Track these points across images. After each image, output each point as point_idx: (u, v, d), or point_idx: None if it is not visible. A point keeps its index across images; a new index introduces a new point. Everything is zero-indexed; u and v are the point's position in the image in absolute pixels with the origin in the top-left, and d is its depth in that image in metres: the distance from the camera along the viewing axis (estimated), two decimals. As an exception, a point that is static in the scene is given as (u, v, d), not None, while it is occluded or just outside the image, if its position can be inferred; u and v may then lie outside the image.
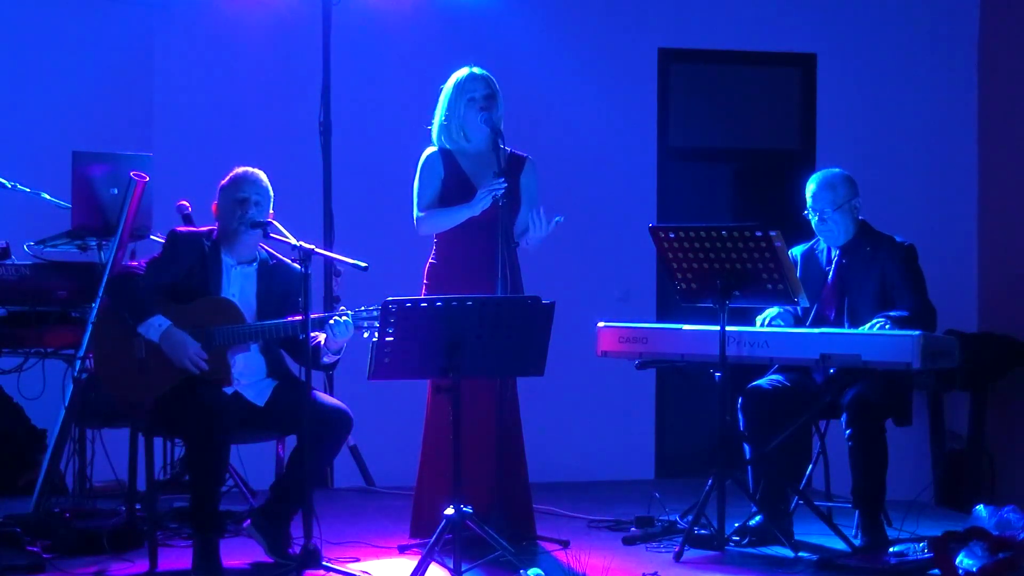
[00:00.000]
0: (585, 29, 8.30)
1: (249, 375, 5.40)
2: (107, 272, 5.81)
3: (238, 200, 5.37)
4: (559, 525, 6.08)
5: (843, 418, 5.71)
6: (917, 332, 5.42)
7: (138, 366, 5.24)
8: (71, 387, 5.97)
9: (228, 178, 5.46)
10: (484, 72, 5.76)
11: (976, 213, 8.66)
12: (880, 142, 8.47)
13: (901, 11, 8.60)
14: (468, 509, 5.04)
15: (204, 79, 7.85)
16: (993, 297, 8.54)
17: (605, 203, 8.25)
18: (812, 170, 6.22)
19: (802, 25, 8.53)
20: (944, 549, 5.20)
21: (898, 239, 5.89)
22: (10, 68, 7.57)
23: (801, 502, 5.85)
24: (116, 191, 6.04)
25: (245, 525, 5.37)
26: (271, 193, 5.45)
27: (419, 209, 5.78)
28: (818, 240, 6.01)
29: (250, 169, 5.46)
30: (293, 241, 5.19)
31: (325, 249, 6.51)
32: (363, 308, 5.23)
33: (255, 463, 6.48)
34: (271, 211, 5.43)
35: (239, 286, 5.42)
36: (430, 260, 5.84)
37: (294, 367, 5.52)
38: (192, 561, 5.16)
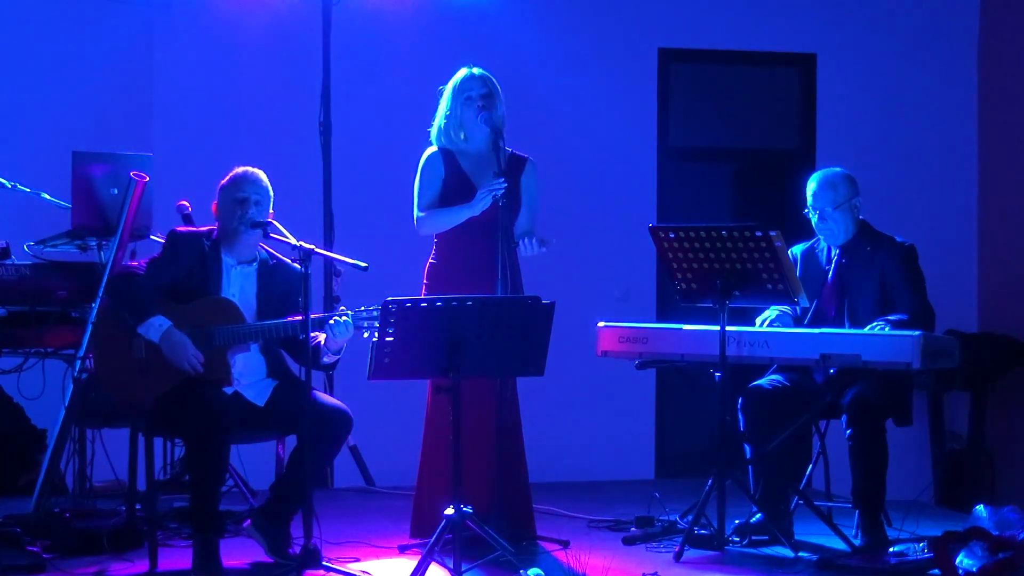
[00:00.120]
0: (585, 29, 8.30)
1: (249, 375, 5.40)
2: (107, 272, 5.81)
3: (238, 200, 5.37)
4: (559, 525, 6.08)
5: (843, 418, 5.71)
6: (917, 332, 5.42)
7: (138, 366, 5.24)
8: (71, 387, 5.97)
9: (228, 178, 5.46)
10: (483, 72, 5.76)
11: (976, 213, 8.66)
12: (880, 142, 8.47)
13: (901, 11, 8.60)
14: (468, 509, 5.04)
15: (204, 79, 7.85)
16: (993, 297, 8.54)
17: (605, 203, 8.25)
18: (812, 170, 6.22)
19: (802, 25, 8.53)
20: (944, 549, 5.20)
21: (898, 239, 5.89)
22: (10, 68, 7.57)
23: (801, 502, 5.85)
24: (116, 191, 6.05)
25: (245, 525, 5.37)
26: (271, 193, 5.45)
27: (419, 209, 5.78)
28: (818, 239, 6.01)
29: (250, 169, 5.47)
30: (293, 241, 5.19)
31: (325, 249, 6.51)
32: (363, 308, 5.23)
33: (255, 463, 6.48)
34: (271, 211, 5.43)
35: (239, 286, 5.42)
36: (430, 260, 5.84)
37: (294, 367, 5.52)
38: (192, 561, 5.15)
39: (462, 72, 5.77)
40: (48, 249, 6.21)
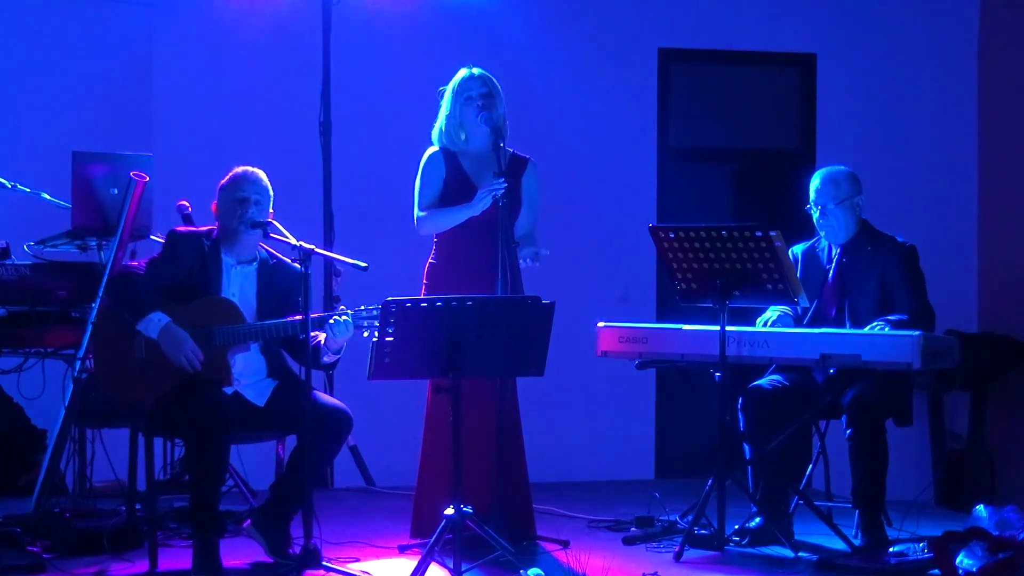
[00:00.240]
0: (585, 29, 8.30)
1: (249, 375, 5.40)
2: (107, 272, 5.81)
3: (238, 200, 5.37)
4: (559, 525, 6.08)
5: (843, 418, 5.71)
6: (917, 332, 5.42)
7: (138, 366, 5.24)
8: (71, 387, 5.97)
9: (228, 177, 5.46)
10: (483, 72, 5.76)
11: (976, 213, 8.66)
12: (880, 142, 8.47)
13: (901, 11, 8.60)
14: (468, 509, 5.04)
15: (204, 79, 7.85)
16: (993, 297, 8.54)
17: (605, 203, 8.25)
18: (812, 170, 6.23)
19: (802, 25, 8.53)
20: (944, 549, 5.20)
21: (899, 239, 5.90)
22: (10, 68, 7.57)
23: (801, 502, 5.85)
24: (116, 191, 6.05)
25: (245, 525, 5.37)
26: (271, 193, 5.45)
27: (420, 209, 5.78)
28: (819, 239, 6.01)
29: (250, 168, 5.47)
30: (293, 241, 5.19)
31: (325, 249, 6.51)
32: (363, 308, 5.23)
33: (255, 463, 6.48)
34: (271, 211, 5.44)
35: (239, 285, 5.42)
36: (430, 260, 5.84)
37: (295, 366, 5.52)
38: (192, 561, 5.15)
39: (462, 72, 5.78)
40: (48, 249, 6.21)
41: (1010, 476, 8.17)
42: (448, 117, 5.78)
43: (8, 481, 6.86)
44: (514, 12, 8.06)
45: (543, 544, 5.73)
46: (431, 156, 5.81)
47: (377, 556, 5.56)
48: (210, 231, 5.45)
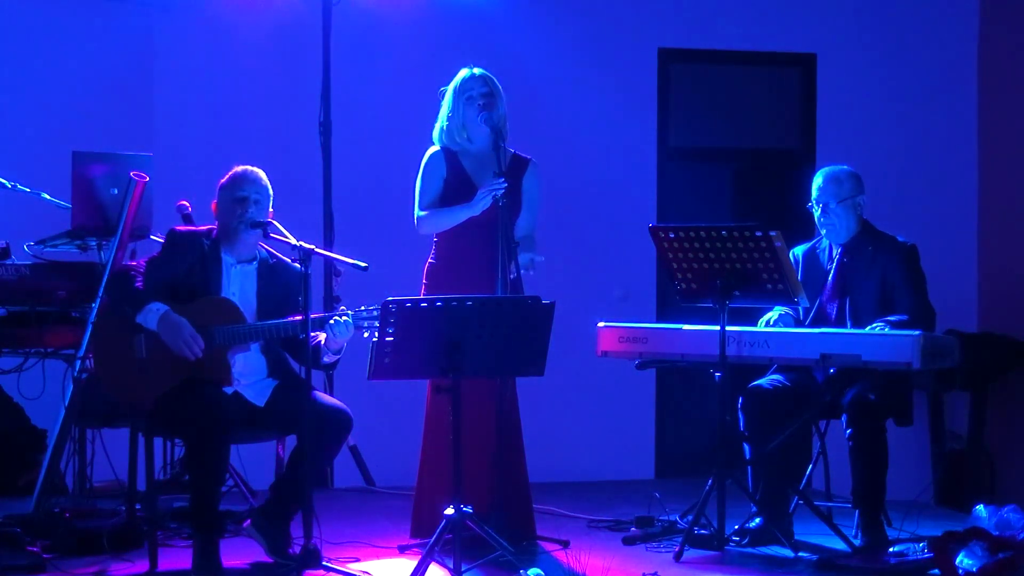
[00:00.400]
0: (585, 29, 8.30)
1: (249, 375, 5.40)
2: (107, 272, 5.81)
3: (237, 199, 5.37)
4: (559, 525, 6.08)
5: (843, 418, 5.71)
6: (917, 332, 5.42)
7: (138, 366, 5.24)
8: (71, 387, 5.97)
9: (227, 177, 5.46)
10: (484, 72, 5.76)
11: (976, 213, 8.66)
12: (880, 142, 8.47)
13: (901, 11, 8.60)
14: (468, 509, 5.04)
15: (204, 79, 7.84)
16: (993, 297, 8.54)
17: (605, 203, 8.25)
18: (812, 170, 6.23)
19: (802, 25, 8.53)
20: (944, 549, 5.20)
21: (900, 239, 5.90)
22: (10, 68, 7.57)
23: (801, 502, 5.85)
24: (116, 191, 6.04)
25: (245, 525, 5.37)
26: (271, 192, 5.46)
27: (420, 208, 5.78)
28: (820, 239, 6.01)
29: (249, 168, 5.47)
30: (293, 241, 5.19)
31: (325, 249, 6.51)
32: (363, 308, 5.23)
33: (255, 463, 6.48)
34: (271, 210, 5.44)
35: (239, 285, 5.42)
36: (430, 260, 5.84)
37: (295, 366, 5.52)
38: (192, 561, 5.16)
39: (463, 72, 5.78)
40: (48, 249, 6.21)
41: (1010, 476, 8.17)
42: (449, 117, 5.79)
43: (8, 481, 6.86)
44: (514, 12, 8.06)
45: (543, 544, 5.73)
46: (432, 156, 5.82)
47: (377, 556, 5.56)
48: (210, 231, 5.45)
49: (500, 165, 5.58)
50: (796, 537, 5.72)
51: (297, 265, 5.23)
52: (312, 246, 5.17)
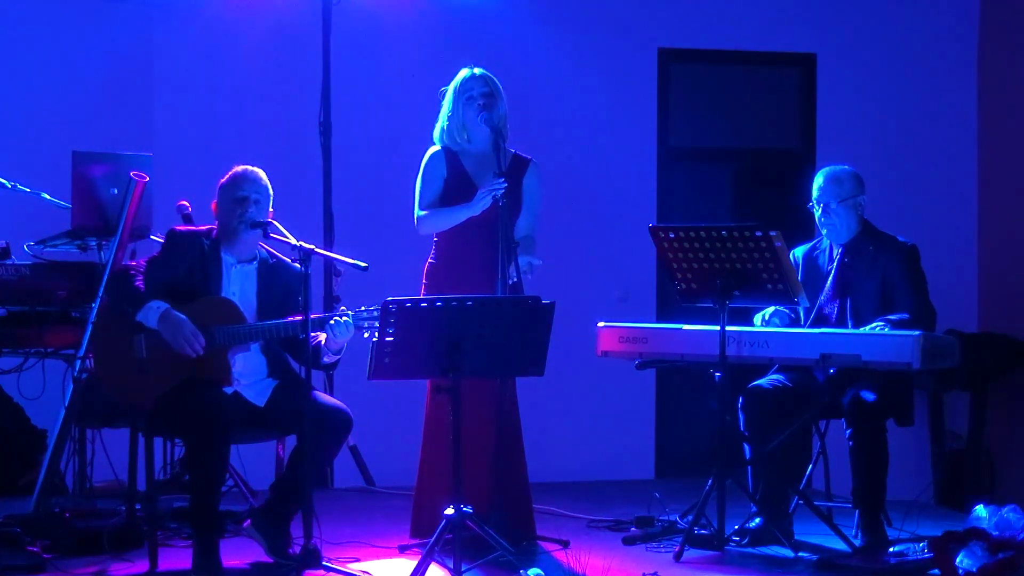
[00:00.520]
0: (585, 29, 8.30)
1: (249, 375, 5.40)
2: (107, 272, 5.81)
3: (237, 199, 5.37)
4: (559, 525, 6.08)
5: (844, 418, 5.71)
6: (917, 332, 5.42)
7: (138, 366, 5.24)
8: (71, 387, 5.97)
9: (227, 177, 5.46)
10: (484, 72, 5.77)
11: (976, 213, 8.66)
12: (880, 142, 8.47)
13: (901, 11, 8.60)
14: (468, 509, 5.04)
15: (204, 79, 7.84)
16: (993, 297, 8.55)
17: (605, 203, 8.25)
18: (812, 170, 6.23)
19: (802, 25, 8.53)
20: (944, 549, 5.20)
21: (900, 239, 5.90)
22: (10, 68, 7.57)
23: (801, 502, 5.85)
24: (116, 191, 6.04)
25: (245, 525, 5.37)
26: (271, 192, 5.46)
27: (420, 208, 5.78)
28: (820, 240, 6.01)
29: (249, 168, 5.47)
30: (293, 241, 5.19)
31: (325, 249, 6.50)
32: (363, 308, 5.23)
33: (255, 463, 6.48)
34: (271, 210, 5.44)
35: (239, 285, 5.42)
36: (430, 260, 5.84)
37: (295, 366, 5.52)
38: (192, 561, 5.15)
39: (463, 72, 5.78)
40: (48, 249, 6.21)
41: (1010, 476, 8.17)
42: (450, 117, 5.79)
43: (8, 481, 6.86)
44: (514, 12, 8.06)
45: (543, 544, 5.73)
46: (433, 155, 5.82)
47: (377, 556, 5.56)
48: (210, 230, 5.45)
49: (500, 165, 5.58)
50: (796, 537, 5.72)
51: (297, 265, 5.23)
52: (312, 246, 5.17)
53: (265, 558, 5.33)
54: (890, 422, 5.77)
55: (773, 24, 8.50)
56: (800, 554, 5.55)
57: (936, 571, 5.23)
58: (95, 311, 5.78)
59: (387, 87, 7.95)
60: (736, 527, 5.73)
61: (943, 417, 8.15)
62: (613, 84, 8.31)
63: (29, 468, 6.82)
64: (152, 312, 5.17)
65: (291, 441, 5.50)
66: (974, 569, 5.09)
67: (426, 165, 5.81)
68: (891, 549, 5.52)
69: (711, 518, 5.59)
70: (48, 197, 6.22)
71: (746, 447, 5.87)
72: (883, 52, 8.57)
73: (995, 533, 5.28)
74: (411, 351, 4.96)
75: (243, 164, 5.50)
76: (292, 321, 5.27)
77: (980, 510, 5.55)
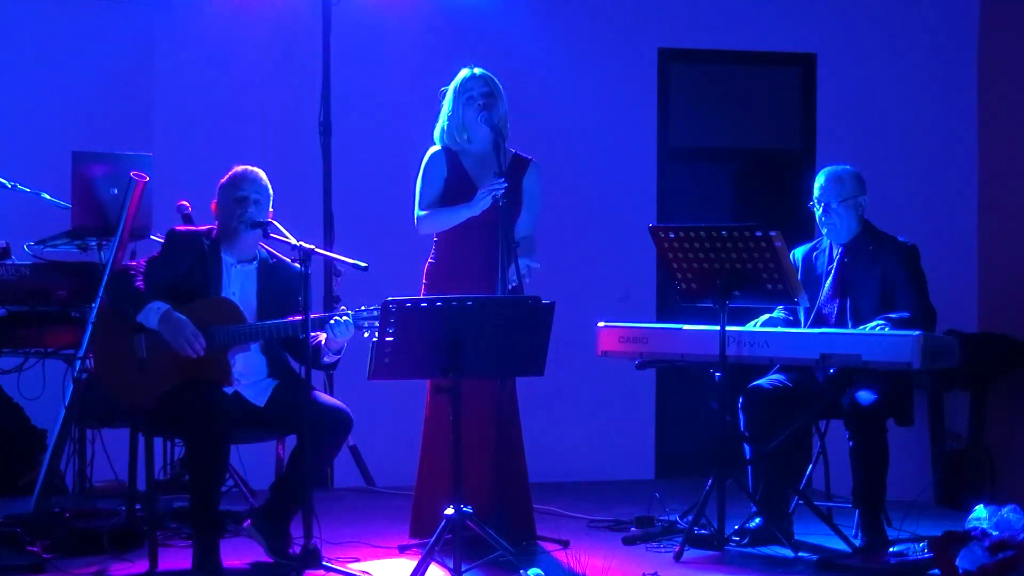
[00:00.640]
0: (585, 29, 8.30)
1: (249, 375, 5.40)
2: (107, 272, 5.81)
3: (237, 199, 5.38)
4: (559, 525, 6.08)
5: (844, 418, 5.71)
6: (917, 332, 5.42)
7: (138, 366, 5.24)
8: (71, 387, 5.97)
9: (227, 177, 5.46)
10: (484, 72, 5.77)
11: (976, 213, 8.66)
12: (880, 142, 8.47)
13: (901, 11, 8.60)
14: (468, 509, 5.04)
15: (204, 79, 7.84)
16: (993, 297, 8.54)
17: (605, 203, 8.25)
18: (812, 170, 6.23)
19: (802, 25, 8.53)
20: (944, 549, 5.20)
21: (900, 239, 5.90)
22: (10, 68, 7.57)
23: (801, 502, 5.85)
24: (116, 191, 6.04)
25: (245, 525, 5.37)
26: (271, 192, 5.46)
27: (420, 208, 5.78)
28: (820, 240, 6.01)
29: (249, 168, 5.47)
30: (293, 241, 5.19)
31: (325, 249, 6.51)
32: (363, 308, 5.23)
33: (255, 463, 6.48)
34: (271, 210, 5.44)
35: (239, 284, 5.42)
36: (429, 260, 5.84)
37: (295, 366, 5.52)
38: (192, 561, 5.16)
39: (463, 72, 5.78)
40: (48, 249, 6.21)
41: (1010, 476, 8.17)
42: (450, 117, 5.79)
43: (8, 481, 6.86)
44: (514, 12, 8.06)
45: (543, 544, 5.73)
46: (433, 155, 5.82)
47: (377, 556, 5.56)
48: (210, 230, 5.45)
49: (500, 165, 5.58)
50: (796, 537, 5.72)
51: (297, 265, 5.23)
52: (312, 246, 5.17)
53: (265, 558, 5.33)
54: (890, 422, 5.77)
55: (773, 24, 8.50)
56: (800, 554, 5.55)
57: (936, 571, 5.23)
58: (95, 311, 5.78)
59: (387, 87, 7.94)
60: (736, 527, 5.73)
61: (943, 417, 8.15)
62: (613, 84, 8.31)
63: (29, 468, 6.81)
64: (153, 313, 5.17)
65: (291, 441, 5.50)
66: (974, 569, 5.09)
67: (426, 165, 5.81)
68: (891, 549, 5.52)
69: (711, 518, 5.59)
70: (48, 197, 6.22)
71: (746, 447, 5.87)
72: (883, 52, 8.57)
73: (995, 533, 5.28)
74: (411, 351, 4.96)
75: (243, 164, 5.50)
76: (292, 321, 5.27)
77: (980, 510, 5.54)
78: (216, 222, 5.47)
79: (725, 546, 5.59)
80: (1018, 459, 8.19)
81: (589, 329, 6.06)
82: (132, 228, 6.02)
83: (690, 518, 5.68)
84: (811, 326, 5.85)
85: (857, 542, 5.64)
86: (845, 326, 5.79)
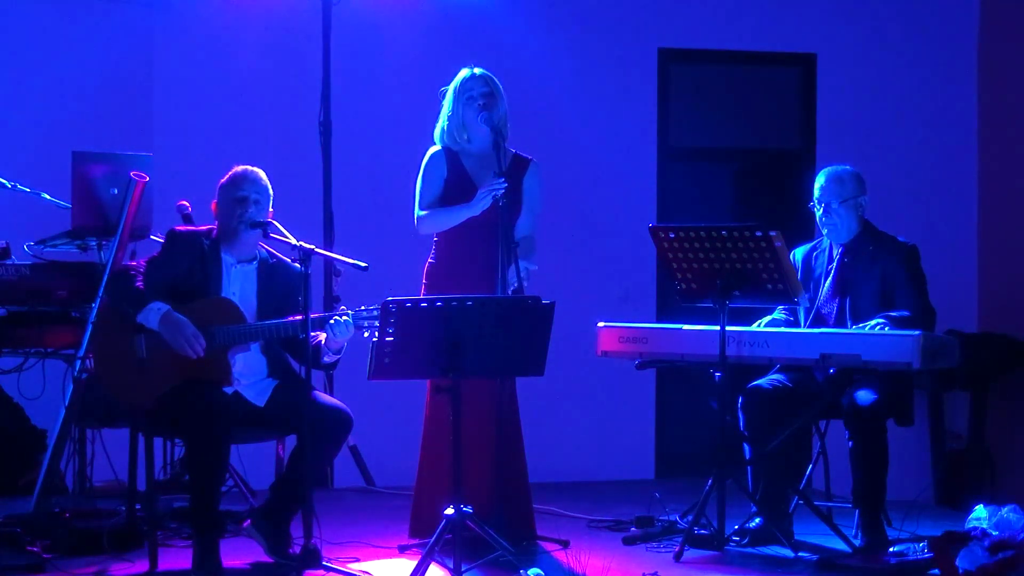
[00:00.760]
0: (585, 29, 8.30)
1: (249, 375, 5.40)
2: (107, 272, 5.81)
3: (237, 199, 5.38)
4: (559, 525, 6.08)
5: (843, 418, 5.71)
6: (917, 332, 5.42)
7: (138, 366, 5.24)
8: (71, 387, 5.97)
9: (227, 177, 5.46)
10: (484, 72, 5.77)
11: (976, 213, 8.66)
12: (880, 142, 8.47)
13: (901, 11, 8.60)
14: (468, 509, 5.04)
15: (204, 79, 7.84)
16: (993, 297, 8.54)
17: (605, 203, 8.25)
18: (812, 170, 6.23)
19: (802, 25, 8.53)
20: (944, 549, 5.20)
21: (900, 239, 5.90)
22: (10, 68, 7.57)
23: (801, 502, 5.85)
24: (116, 191, 6.04)
25: (245, 525, 5.37)
26: (270, 192, 5.46)
27: (420, 208, 5.78)
28: (820, 240, 6.02)
29: (249, 168, 5.47)
30: (293, 241, 5.19)
31: (325, 249, 6.51)
32: (363, 308, 5.23)
33: (255, 463, 6.48)
34: (271, 210, 5.44)
35: (239, 284, 5.42)
36: (429, 260, 5.84)
37: (295, 366, 5.52)
38: (192, 561, 5.15)
39: (463, 72, 5.78)
40: (48, 249, 6.21)
41: (1010, 476, 8.17)
42: (450, 117, 5.79)
43: (8, 481, 6.86)
44: (514, 12, 8.06)
45: (543, 544, 5.73)
46: (433, 155, 5.82)
47: (377, 556, 5.56)
48: (210, 230, 5.45)
49: (500, 165, 5.58)
50: (796, 537, 5.72)
51: (297, 265, 5.23)
52: (312, 246, 5.17)
53: (265, 558, 5.33)
54: (890, 422, 5.77)
55: (773, 24, 8.50)
56: (800, 554, 5.55)
57: (936, 571, 5.23)
58: (95, 311, 5.78)
59: (387, 87, 7.94)
60: (736, 527, 5.73)
61: (943, 417, 8.15)
62: (613, 84, 8.31)
63: (29, 468, 6.82)
64: (153, 314, 5.17)
65: (291, 441, 5.50)
66: (974, 569, 5.09)
67: (426, 165, 5.81)
68: (891, 549, 5.52)
69: (711, 518, 5.59)
70: (48, 197, 6.22)
71: (746, 447, 5.87)
72: (883, 52, 8.57)
73: (995, 533, 5.28)
74: (411, 351, 4.96)
75: (243, 164, 5.50)
76: (292, 321, 5.27)
77: (980, 510, 5.54)
78: (216, 222, 5.46)
79: (725, 546, 5.59)
80: (1018, 459, 8.19)
81: (589, 329, 6.06)
82: (132, 228, 6.02)
83: (690, 518, 5.68)
84: (810, 326, 5.85)
85: (857, 542, 5.64)
86: (844, 326, 5.79)
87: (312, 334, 5.17)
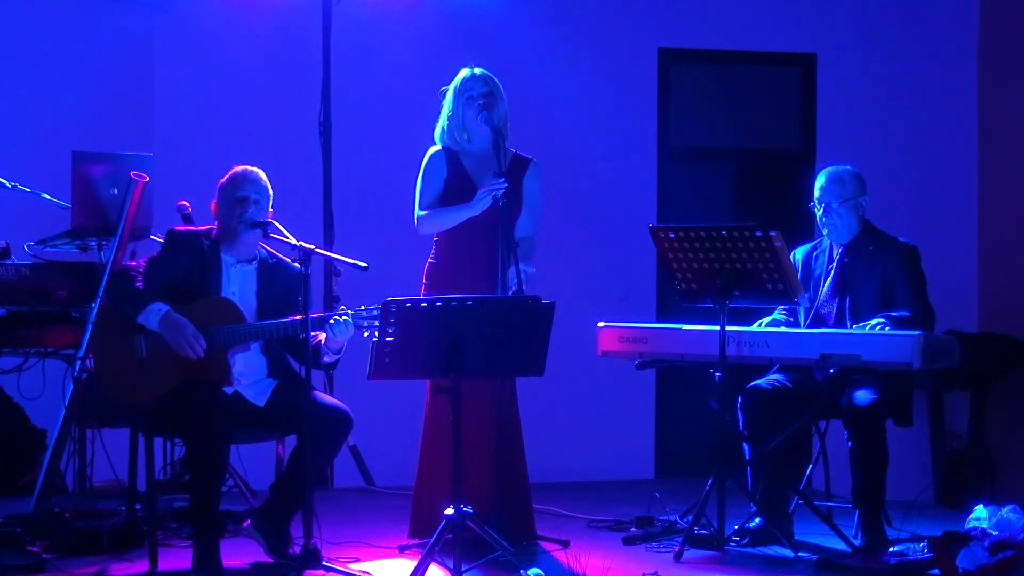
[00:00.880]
0: (585, 29, 8.30)
1: (249, 375, 5.40)
2: (107, 272, 5.81)
3: (237, 199, 5.38)
4: (559, 525, 6.08)
5: (843, 418, 5.71)
6: (917, 332, 5.42)
7: (138, 366, 5.24)
8: (71, 387, 5.97)
9: (227, 177, 5.46)
10: (484, 72, 5.77)
11: (976, 213, 8.66)
12: (880, 142, 8.47)
13: (901, 11, 8.60)
14: (468, 509, 5.04)
15: (204, 79, 7.84)
16: (993, 297, 8.54)
17: (605, 203, 8.25)
18: (812, 170, 6.23)
19: (802, 25, 8.53)
20: (944, 549, 5.20)
21: (901, 239, 5.90)
22: (10, 68, 7.57)
23: (801, 502, 5.85)
24: (116, 191, 6.04)
25: (245, 525, 5.37)
26: (270, 192, 5.46)
27: (420, 208, 5.78)
28: (820, 240, 6.02)
29: (249, 168, 5.47)
30: (293, 241, 5.19)
31: (325, 249, 6.51)
32: (363, 308, 5.23)
33: (255, 463, 6.48)
34: (270, 210, 5.44)
35: (239, 284, 5.42)
36: (430, 260, 5.84)
37: (295, 366, 5.52)
38: (192, 561, 5.15)
39: (463, 72, 5.78)
40: (48, 249, 6.21)
41: (1010, 476, 8.17)
42: (450, 117, 5.79)
43: (8, 481, 6.86)
44: (514, 12, 8.06)
45: (543, 544, 5.73)
46: (433, 155, 5.82)
47: (377, 556, 5.56)
48: (210, 230, 5.46)
49: (500, 165, 5.58)
50: (796, 537, 5.72)
51: (297, 265, 5.23)
52: (312, 246, 5.17)
53: (265, 558, 5.33)
54: (890, 422, 5.77)
55: (773, 24, 8.50)
56: (800, 554, 5.55)
57: (936, 571, 5.23)
58: (95, 311, 5.78)
59: (387, 87, 7.94)
60: (736, 527, 5.73)
61: (943, 417, 8.15)
62: (613, 84, 8.31)
63: (29, 468, 6.82)
64: (153, 314, 5.18)
65: (291, 441, 5.50)
66: (974, 569, 5.09)
67: (426, 165, 5.81)
68: (891, 549, 5.51)
69: (711, 518, 5.59)
70: (48, 197, 6.22)
71: (746, 447, 5.87)
72: (883, 52, 8.57)
73: (995, 533, 5.28)
74: (411, 351, 4.96)
75: (243, 164, 5.50)
76: (292, 321, 5.27)
77: (980, 510, 5.54)
78: (216, 222, 5.47)
79: (725, 546, 5.59)
80: (1018, 459, 8.19)
81: (589, 329, 6.06)
82: (132, 228, 6.02)
83: (690, 518, 5.68)
84: (810, 326, 5.85)
85: (857, 542, 5.64)
86: (844, 326, 5.79)
87: (312, 334, 5.17)
